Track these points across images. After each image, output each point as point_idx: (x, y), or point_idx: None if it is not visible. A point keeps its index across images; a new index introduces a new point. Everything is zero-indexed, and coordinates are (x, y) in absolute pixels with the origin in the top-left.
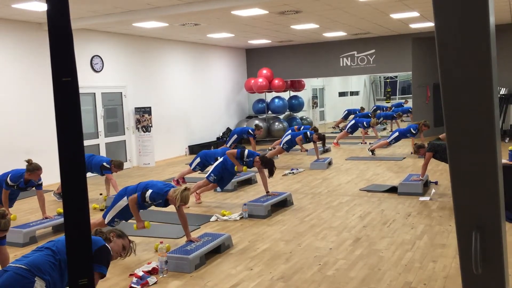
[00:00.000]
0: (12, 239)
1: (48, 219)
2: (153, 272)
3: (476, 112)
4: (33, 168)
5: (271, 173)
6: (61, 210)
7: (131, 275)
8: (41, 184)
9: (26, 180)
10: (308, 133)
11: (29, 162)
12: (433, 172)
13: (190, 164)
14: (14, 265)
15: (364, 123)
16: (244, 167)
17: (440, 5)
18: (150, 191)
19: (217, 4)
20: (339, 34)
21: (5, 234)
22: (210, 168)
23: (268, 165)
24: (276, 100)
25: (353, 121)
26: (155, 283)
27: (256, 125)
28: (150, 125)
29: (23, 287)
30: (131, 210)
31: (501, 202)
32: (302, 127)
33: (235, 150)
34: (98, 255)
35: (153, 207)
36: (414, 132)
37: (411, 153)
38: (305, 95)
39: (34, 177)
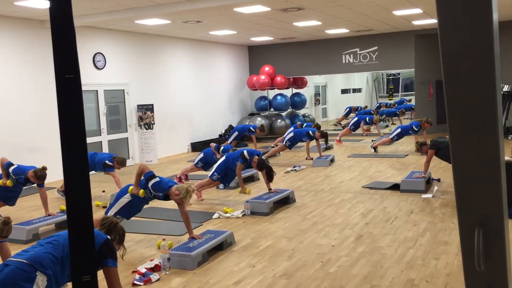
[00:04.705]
0: (15, 236)
1: (51, 216)
2: (155, 269)
3: (479, 109)
4: (41, 176)
5: (270, 178)
6: (64, 207)
7: (133, 272)
8: (43, 182)
9: (27, 178)
10: (310, 132)
11: (43, 168)
12: (436, 169)
13: (194, 161)
14: (15, 259)
15: (367, 119)
16: (248, 189)
17: (443, 2)
18: (155, 179)
19: (219, 1)
20: (342, 31)
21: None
22: (213, 167)
23: (264, 168)
24: (279, 97)
25: (355, 118)
26: (158, 280)
27: (261, 126)
28: (153, 122)
29: (25, 282)
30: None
31: (504, 199)
32: (305, 124)
33: (240, 164)
34: (107, 249)
35: (155, 204)
36: (416, 129)
37: (415, 150)
38: (307, 92)
39: (35, 182)
